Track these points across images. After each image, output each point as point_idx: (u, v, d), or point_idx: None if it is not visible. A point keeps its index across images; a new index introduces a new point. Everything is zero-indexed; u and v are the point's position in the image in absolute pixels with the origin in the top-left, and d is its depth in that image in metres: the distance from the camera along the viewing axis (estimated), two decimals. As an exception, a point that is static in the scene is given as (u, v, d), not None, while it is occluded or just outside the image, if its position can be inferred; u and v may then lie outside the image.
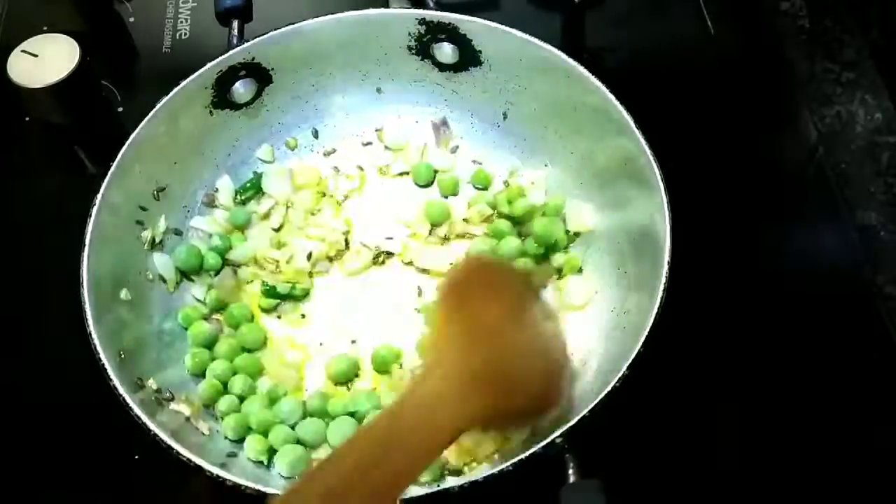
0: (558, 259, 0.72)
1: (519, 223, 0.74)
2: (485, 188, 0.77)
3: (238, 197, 0.77)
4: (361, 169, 0.79)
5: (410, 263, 0.74)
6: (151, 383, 0.64)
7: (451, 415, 0.51)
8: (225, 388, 0.67)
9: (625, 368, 0.57)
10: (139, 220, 0.71)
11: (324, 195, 0.78)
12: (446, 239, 0.75)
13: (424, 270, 0.73)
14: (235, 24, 0.78)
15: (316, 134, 0.80)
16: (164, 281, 0.71)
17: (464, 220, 0.75)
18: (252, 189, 0.77)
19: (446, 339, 0.55)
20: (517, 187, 0.75)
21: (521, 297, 0.61)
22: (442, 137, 0.79)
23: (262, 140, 0.79)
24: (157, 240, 0.72)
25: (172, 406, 0.64)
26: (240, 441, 0.65)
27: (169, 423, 0.61)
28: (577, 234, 0.73)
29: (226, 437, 0.65)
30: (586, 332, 0.69)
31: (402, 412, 0.50)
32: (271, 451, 0.64)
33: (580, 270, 0.72)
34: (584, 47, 0.89)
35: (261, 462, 0.64)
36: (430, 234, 0.75)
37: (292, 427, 0.65)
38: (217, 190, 0.76)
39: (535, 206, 0.74)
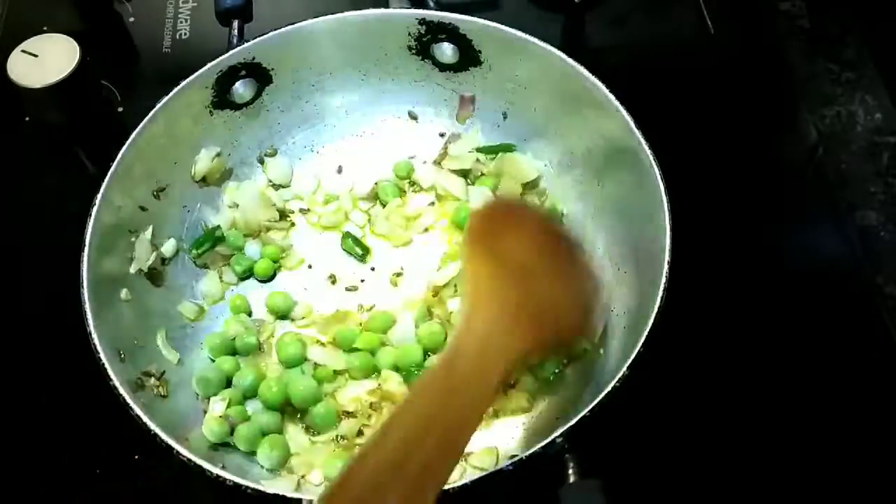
0: None
1: None
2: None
3: (195, 252, 0.74)
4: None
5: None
6: (152, 383, 0.64)
7: (501, 355, 0.51)
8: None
9: (625, 368, 0.57)
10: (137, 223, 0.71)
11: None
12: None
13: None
14: (235, 24, 0.78)
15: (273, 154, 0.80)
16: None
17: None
18: (208, 243, 0.74)
19: (483, 280, 0.55)
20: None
21: (549, 231, 0.63)
22: (464, 112, 0.79)
23: (262, 140, 0.79)
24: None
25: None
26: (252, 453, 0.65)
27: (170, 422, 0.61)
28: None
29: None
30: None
31: (455, 361, 0.50)
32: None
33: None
34: (584, 47, 0.89)
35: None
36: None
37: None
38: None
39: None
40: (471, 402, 0.47)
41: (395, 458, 0.41)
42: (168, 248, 0.72)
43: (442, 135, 0.80)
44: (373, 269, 0.75)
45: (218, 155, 0.76)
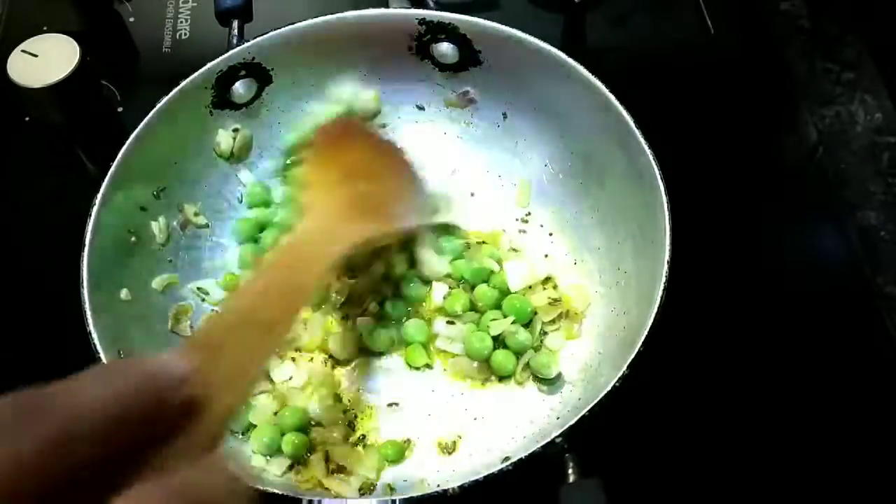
0: None
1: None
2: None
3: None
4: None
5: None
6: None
7: (335, 239, 0.59)
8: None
9: (625, 368, 0.57)
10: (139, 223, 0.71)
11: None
12: None
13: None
14: (235, 24, 0.78)
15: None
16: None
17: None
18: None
19: (322, 185, 0.65)
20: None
21: (378, 141, 0.74)
22: (463, 101, 0.79)
23: (262, 140, 0.79)
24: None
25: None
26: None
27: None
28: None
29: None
30: (586, 331, 0.69)
31: (296, 243, 0.58)
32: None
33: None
34: (584, 47, 0.89)
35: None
36: None
37: None
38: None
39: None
40: (309, 275, 0.54)
41: (248, 309, 0.47)
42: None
43: (444, 134, 0.80)
44: None
45: (235, 130, 0.77)
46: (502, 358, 0.67)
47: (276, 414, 0.66)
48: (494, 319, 0.68)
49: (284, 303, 0.49)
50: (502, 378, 0.68)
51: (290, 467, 0.64)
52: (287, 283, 0.51)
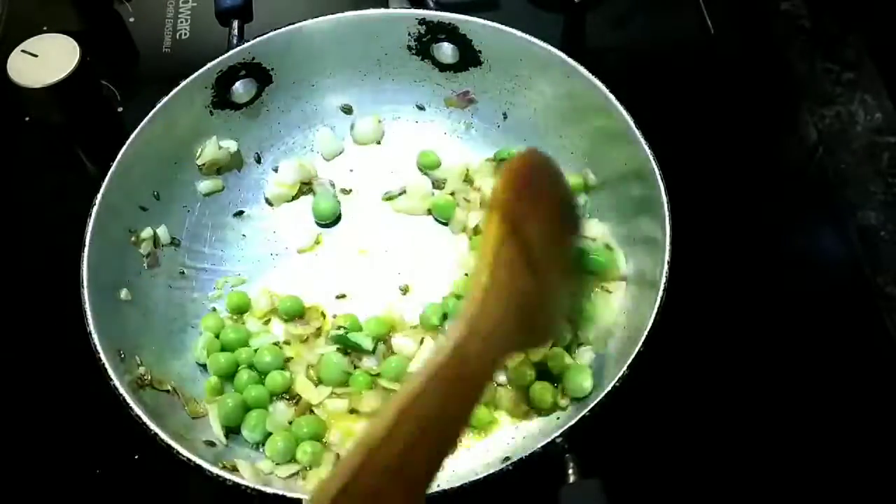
0: None
1: None
2: None
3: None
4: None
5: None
6: (152, 382, 0.64)
7: (498, 356, 0.49)
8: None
9: (625, 368, 0.57)
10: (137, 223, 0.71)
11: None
12: None
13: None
14: (235, 24, 0.78)
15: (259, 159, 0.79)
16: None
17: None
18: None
19: (501, 268, 0.49)
20: None
21: (568, 207, 0.59)
22: (459, 102, 0.79)
23: (263, 140, 0.79)
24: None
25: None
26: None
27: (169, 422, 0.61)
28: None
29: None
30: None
31: (455, 362, 0.46)
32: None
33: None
34: (584, 47, 0.89)
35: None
36: None
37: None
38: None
39: None
40: (466, 403, 0.46)
41: (396, 460, 0.40)
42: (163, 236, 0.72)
43: (444, 134, 0.80)
44: None
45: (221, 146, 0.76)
46: (541, 389, 0.65)
47: (291, 423, 0.66)
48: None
49: (442, 444, 0.42)
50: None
51: (296, 473, 0.64)
52: (444, 416, 0.43)
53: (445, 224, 0.76)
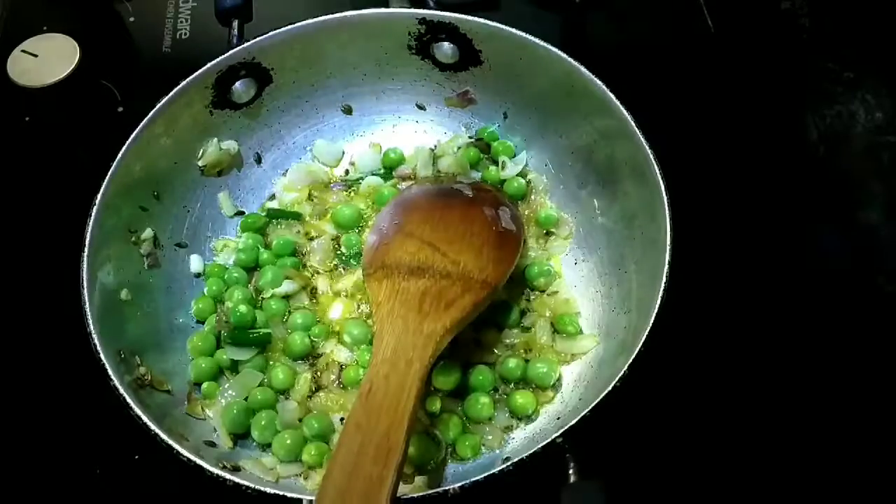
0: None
1: None
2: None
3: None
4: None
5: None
6: (151, 382, 0.64)
7: (415, 357, 0.57)
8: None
9: (625, 368, 0.57)
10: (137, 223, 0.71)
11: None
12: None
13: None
14: (235, 24, 0.78)
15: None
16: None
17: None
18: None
19: (383, 300, 0.61)
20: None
21: (449, 195, 0.70)
22: (463, 101, 0.79)
23: (263, 140, 0.79)
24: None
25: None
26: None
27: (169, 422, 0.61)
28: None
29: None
30: (586, 332, 0.69)
31: (370, 391, 0.55)
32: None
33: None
34: (585, 47, 0.89)
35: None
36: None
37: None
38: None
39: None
40: (395, 413, 0.54)
41: (348, 468, 0.51)
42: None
43: (444, 134, 0.80)
44: None
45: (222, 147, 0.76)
46: (523, 399, 0.66)
47: (301, 420, 0.66)
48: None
49: (382, 448, 0.51)
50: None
51: (298, 474, 0.64)
52: (378, 429, 0.52)
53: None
